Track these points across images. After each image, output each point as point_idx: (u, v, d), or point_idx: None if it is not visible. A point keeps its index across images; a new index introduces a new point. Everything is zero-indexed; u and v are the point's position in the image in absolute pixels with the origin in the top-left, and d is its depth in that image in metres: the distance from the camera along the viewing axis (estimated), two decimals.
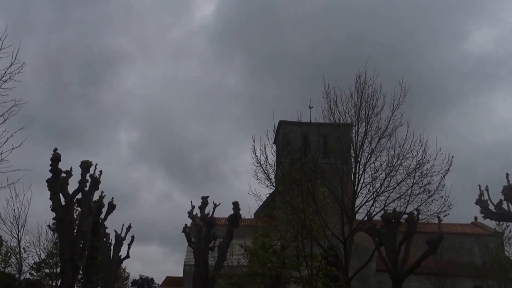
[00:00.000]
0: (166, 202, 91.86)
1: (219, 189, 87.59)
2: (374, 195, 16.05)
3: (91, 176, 19.87)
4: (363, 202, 16.31)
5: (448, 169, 16.15)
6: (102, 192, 24.88)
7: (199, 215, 26.13)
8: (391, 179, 16.14)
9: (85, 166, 19.35)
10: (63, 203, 19.12)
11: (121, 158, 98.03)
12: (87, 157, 20.04)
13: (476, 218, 43.95)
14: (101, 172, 20.35)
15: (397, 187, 16.09)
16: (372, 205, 16.09)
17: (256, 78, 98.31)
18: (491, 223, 38.92)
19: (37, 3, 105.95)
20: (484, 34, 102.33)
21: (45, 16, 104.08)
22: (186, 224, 31.18)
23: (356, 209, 16.64)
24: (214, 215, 25.31)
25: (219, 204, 25.01)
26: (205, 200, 25.18)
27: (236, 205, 25.79)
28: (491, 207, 18.58)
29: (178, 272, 41.66)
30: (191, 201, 26.57)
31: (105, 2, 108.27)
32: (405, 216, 19.55)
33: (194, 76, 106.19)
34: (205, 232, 24.95)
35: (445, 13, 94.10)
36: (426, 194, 15.98)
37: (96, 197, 24.17)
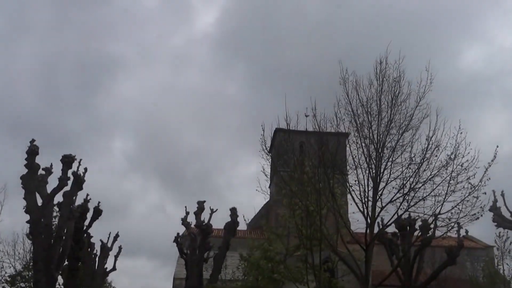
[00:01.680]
0: (159, 214, 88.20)
1: (213, 202, 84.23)
2: (403, 193, 13.42)
3: (74, 173, 17.08)
4: (389, 201, 13.66)
5: (493, 160, 13.57)
6: (88, 195, 22.12)
7: (194, 223, 23.27)
8: (421, 174, 13.57)
9: (67, 161, 16.56)
10: (40, 204, 16.35)
11: (114, 167, 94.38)
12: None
13: (467, 231, 42.22)
14: (85, 169, 17.56)
15: (430, 183, 13.44)
16: (401, 203, 13.46)
17: (257, 89, 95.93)
18: (483, 237, 36.89)
19: (35, 4, 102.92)
20: (475, 53, 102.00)
21: (43, 18, 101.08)
22: (178, 233, 28.29)
23: (379, 211, 14.06)
24: (210, 223, 22.50)
25: (216, 210, 22.31)
26: (201, 205, 22.38)
27: (233, 211, 23.14)
28: (507, 215, 16.24)
29: (167, 287, 38.47)
30: (185, 207, 23.77)
31: (105, 6, 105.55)
32: (423, 221, 17.24)
33: (193, 85, 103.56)
34: (200, 241, 22.15)
35: (437, 31, 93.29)
36: (467, 190, 13.25)
37: (80, 200, 21.41)
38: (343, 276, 19.31)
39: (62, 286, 25.83)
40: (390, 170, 13.77)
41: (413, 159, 13.52)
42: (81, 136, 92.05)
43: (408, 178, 13.65)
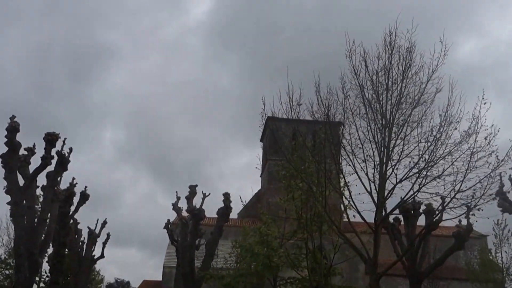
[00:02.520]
0: (149, 204, 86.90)
1: (205, 191, 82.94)
2: (419, 168, 12.27)
3: (58, 153, 15.91)
4: (402, 178, 12.54)
5: None
6: (74, 178, 20.97)
7: (185, 208, 22.17)
8: (438, 149, 12.46)
9: (50, 139, 15.38)
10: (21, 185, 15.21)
11: (105, 157, 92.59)
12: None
13: (460, 221, 41.80)
14: (71, 149, 16.37)
15: (448, 158, 12.30)
16: (416, 179, 12.35)
17: (250, 79, 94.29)
18: (476, 226, 36.51)
19: None
20: (471, 45, 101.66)
21: (33, 5, 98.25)
22: (169, 220, 27.31)
23: (388, 192, 12.95)
24: (202, 208, 21.44)
25: (209, 194, 21.27)
26: (193, 190, 21.31)
27: (226, 196, 22.10)
28: None
29: (157, 276, 37.35)
30: (176, 192, 22.72)
31: None
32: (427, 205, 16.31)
33: (186, 75, 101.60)
34: (191, 226, 21.13)
35: (433, 23, 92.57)
36: (490, 165, 12.03)
37: (66, 183, 20.28)
38: (342, 263, 18.47)
39: (48, 273, 24.78)
40: (403, 147, 12.72)
41: (432, 131, 12.33)
42: (71, 126, 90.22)
43: (423, 153, 12.51)
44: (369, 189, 12.71)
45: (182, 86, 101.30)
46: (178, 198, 22.53)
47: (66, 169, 16.31)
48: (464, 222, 15.86)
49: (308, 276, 17.03)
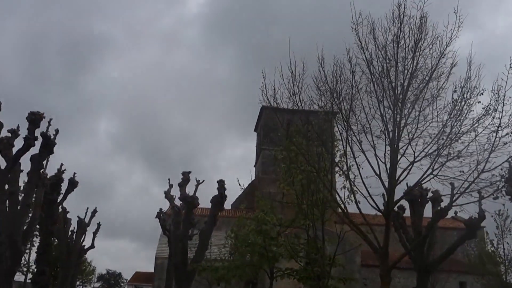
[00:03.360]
0: (143, 195, 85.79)
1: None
2: (438, 146, 11.12)
3: (42, 134, 14.80)
4: (416, 158, 11.45)
5: None
6: (62, 164, 19.87)
7: (178, 195, 21.10)
8: (458, 124, 11.33)
9: (34, 118, 14.23)
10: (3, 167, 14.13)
11: (99, 149, 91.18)
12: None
13: (456, 212, 41.11)
14: (57, 131, 15.23)
15: (468, 136, 11.14)
16: (434, 161, 11.24)
17: (247, 70, 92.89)
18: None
19: None
20: (466, 38, 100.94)
21: None
22: (161, 209, 26.30)
23: (402, 172, 11.85)
24: (196, 195, 20.43)
25: (203, 181, 20.26)
26: (186, 176, 20.24)
27: (221, 184, 21.05)
28: None
29: (150, 268, 36.34)
30: (169, 179, 21.65)
31: None
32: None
33: (182, 66, 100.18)
34: (184, 214, 20.13)
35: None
36: None
37: (53, 169, 19.18)
38: (345, 252, 17.51)
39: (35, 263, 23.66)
40: (417, 125, 11.68)
41: (454, 103, 11.17)
42: (65, 116, 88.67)
43: (442, 129, 11.41)
44: (377, 172, 11.67)
45: (179, 77, 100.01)
46: (171, 186, 21.51)
47: (52, 152, 15.19)
48: (460, 214, 14.80)
49: (306, 267, 16.12)
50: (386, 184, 11.78)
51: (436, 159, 11.17)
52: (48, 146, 14.79)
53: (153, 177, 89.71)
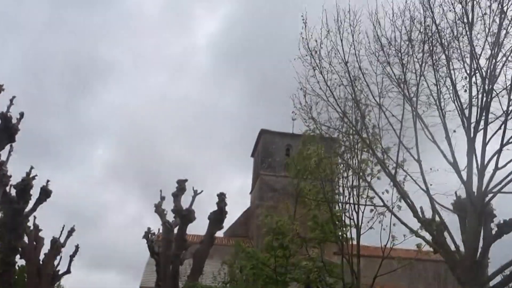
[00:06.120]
0: (136, 227, 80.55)
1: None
2: None
3: (2, 115, 11.31)
4: None
5: None
6: (32, 168, 16.33)
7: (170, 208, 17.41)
8: None
9: None
10: None
11: (93, 176, 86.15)
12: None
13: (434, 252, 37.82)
14: (22, 114, 11.81)
15: None
16: None
17: (252, 105, 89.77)
18: None
19: (31, 1, 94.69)
20: None
21: (38, 16, 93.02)
22: (149, 228, 22.44)
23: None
24: (192, 209, 16.81)
25: (201, 191, 16.77)
26: (181, 185, 16.61)
27: (221, 197, 17.57)
28: None
29: None
30: (160, 190, 17.99)
31: (104, 9, 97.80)
32: None
33: (187, 96, 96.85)
34: (178, 231, 16.48)
35: None
36: None
37: (23, 169, 15.69)
38: None
39: None
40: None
41: None
42: (61, 140, 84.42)
43: None
44: (450, 160, 8.36)
45: (183, 105, 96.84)
46: (163, 198, 17.84)
47: (13, 140, 11.67)
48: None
49: None
50: (464, 176, 8.43)
51: None
52: (9, 130, 11.27)
53: (147, 208, 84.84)
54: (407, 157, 9.43)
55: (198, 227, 18.42)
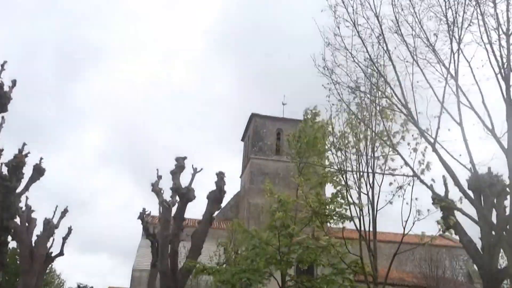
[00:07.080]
0: (127, 211, 79.84)
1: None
2: None
3: None
4: None
5: None
6: (25, 144, 15.60)
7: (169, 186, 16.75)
8: None
9: None
10: None
11: (84, 161, 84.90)
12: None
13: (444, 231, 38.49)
14: (14, 82, 11.05)
15: None
16: None
17: (244, 92, 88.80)
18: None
19: None
20: None
21: (28, 2, 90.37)
22: (144, 209, 21.87)
23: None
24: (191, 188, 16.20)
25: (201, 169, 16.16)
26: (180, 163, 15.98)
27: (220, 176, 17.05)
28: None
29: (125, 283, 31.37)
30: (157, 169, 17.34)
31: None
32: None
33: (179, 81, 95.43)
34: (177, 209, 15.89)
35: None
36: None
37: (13, 147, 14.96)
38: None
39: None
40: None
41: None
42: (52, 125, 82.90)
43: None
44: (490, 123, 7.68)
45: (175, 91, 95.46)
46: (159, 177, 17.19)
47: (5, 109, 10.95)
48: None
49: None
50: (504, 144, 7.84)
51: None
52: (1, 98, 10.53)
53: (138, 193, 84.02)
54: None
55: (190, 209, 18.02)
